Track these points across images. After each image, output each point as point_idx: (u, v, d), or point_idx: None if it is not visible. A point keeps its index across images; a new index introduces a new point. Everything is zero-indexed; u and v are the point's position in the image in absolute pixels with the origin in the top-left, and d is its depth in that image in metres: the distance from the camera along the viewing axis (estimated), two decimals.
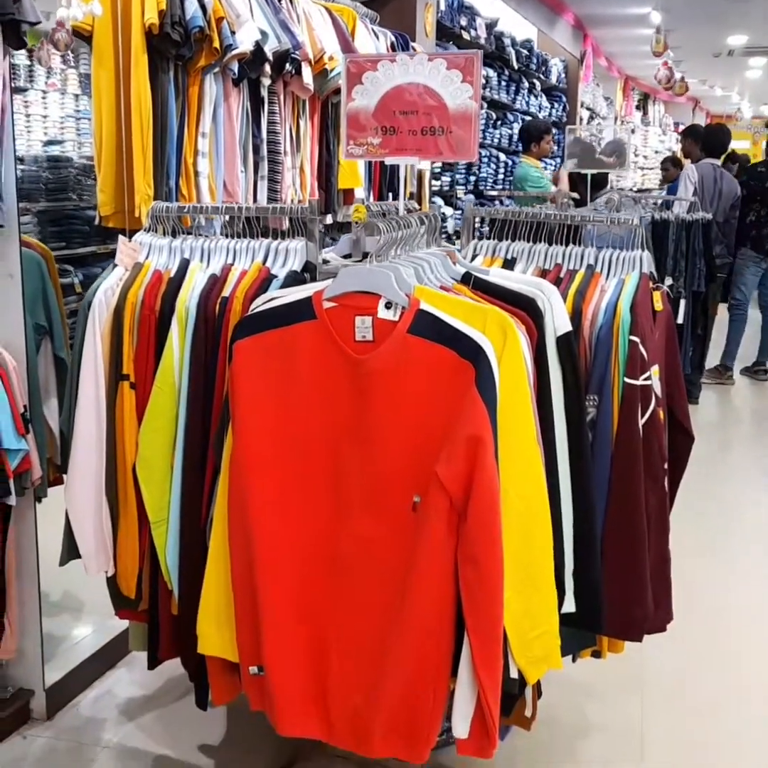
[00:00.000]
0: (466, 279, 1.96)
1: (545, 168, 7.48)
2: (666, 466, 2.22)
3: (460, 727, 1.71)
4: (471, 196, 7.43)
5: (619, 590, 2.08)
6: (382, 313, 1.73)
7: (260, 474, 1.80)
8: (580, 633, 2.11)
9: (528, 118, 9.01)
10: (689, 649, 2.96)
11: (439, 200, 6.58)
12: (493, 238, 2.44)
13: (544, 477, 1.79)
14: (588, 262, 2.26)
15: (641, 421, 2.09)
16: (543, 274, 2.27)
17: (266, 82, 3.37)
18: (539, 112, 9.46)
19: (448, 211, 6.72)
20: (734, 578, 3.64)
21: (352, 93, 2.14)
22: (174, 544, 2.07)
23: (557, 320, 1.92)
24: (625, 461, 2.07)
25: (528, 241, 2.37)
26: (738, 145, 23.92)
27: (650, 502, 2.11)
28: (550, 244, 2.35)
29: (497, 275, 2.03)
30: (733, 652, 3.04)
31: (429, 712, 1.74)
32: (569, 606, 1.98)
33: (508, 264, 2.33)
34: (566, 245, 2.34)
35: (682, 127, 21.72)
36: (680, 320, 5.36)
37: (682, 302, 5.39)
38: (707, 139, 6.85)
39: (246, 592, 1.84)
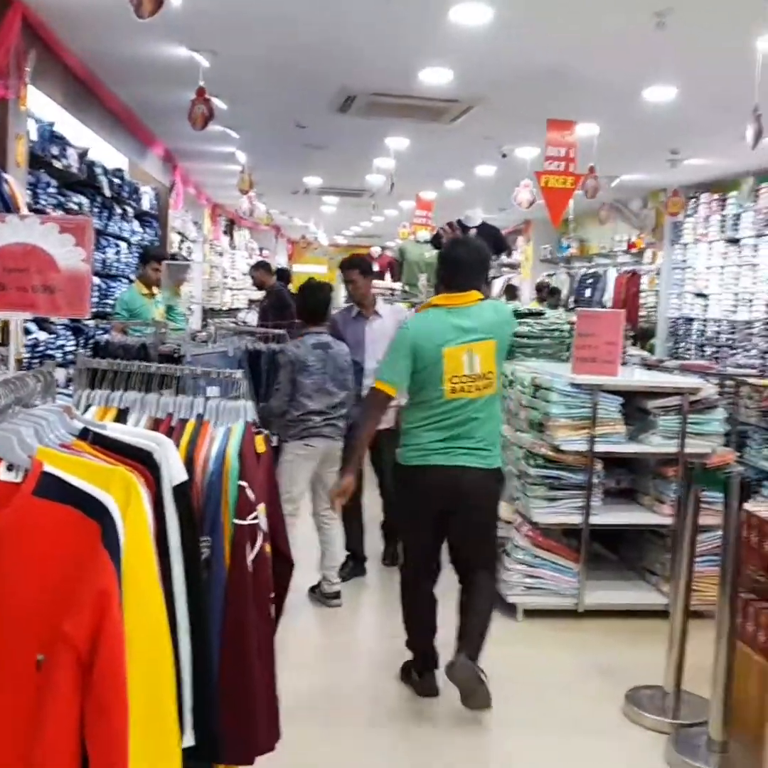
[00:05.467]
0: (85, 434, 2.05)
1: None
2: (272, 595, 2.45)
3: None
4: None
5: (234, 719, 2.23)
6: (4, 475, 1.76)
7: None
8: (200, 765, 2.21)
9: (121, 243, 9.19)
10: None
11: (32, 325, 6.44)
12: (105, 387, 2.55)
13: (166, 621, 1.91)
14: (197, 411, 2.46)
15: (250, 558, 2.30)
16: (156, 423, 2.42)
17: None
18: (132, 236, 9.68)
19: (42, 335, 6.60)
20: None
21: None
22: None
23: (173, 471, 2.07)
24: (237, 597, 2.25)
25: (139, 391, 2.52)
26: (316, 270, 26.05)
27: (260, 632, 2.31)
28: (161, 386, 2.53)
29: (114, 429, 2.14)
30: None
31: None
32: (189, 740, 2.07)
33: (122, 413, 2.45)
34: (177, 393, 2.53)
35: (266, 252, 23.29)
36: (274, 443, 5.79)
37: None
38: None
39: None
